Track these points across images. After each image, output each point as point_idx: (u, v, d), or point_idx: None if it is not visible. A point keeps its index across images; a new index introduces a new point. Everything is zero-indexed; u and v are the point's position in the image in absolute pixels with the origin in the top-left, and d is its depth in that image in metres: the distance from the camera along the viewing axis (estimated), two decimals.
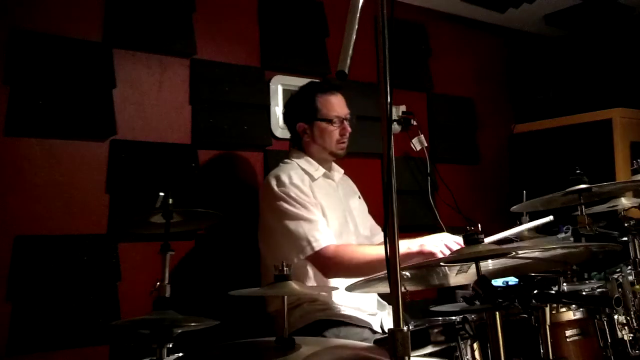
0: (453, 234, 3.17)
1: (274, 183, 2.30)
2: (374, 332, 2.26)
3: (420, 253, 2.09)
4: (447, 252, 2.06)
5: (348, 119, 2.44)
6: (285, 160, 2.46)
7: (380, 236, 2.57)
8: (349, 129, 2.44)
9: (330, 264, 2.17)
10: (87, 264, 2.31)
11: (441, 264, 1.57)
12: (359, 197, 2.65)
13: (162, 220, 1.71)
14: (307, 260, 2.21)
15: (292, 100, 2.54)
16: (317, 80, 2.54)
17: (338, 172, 2.57)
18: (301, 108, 2.44)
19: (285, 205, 2.24)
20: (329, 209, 2.35)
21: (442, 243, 2.09)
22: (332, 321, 2.22)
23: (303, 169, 2.40)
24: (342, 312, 2.26)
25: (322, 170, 2.45)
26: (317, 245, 2.16)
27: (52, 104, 2.31)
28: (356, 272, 2.00)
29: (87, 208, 2.36)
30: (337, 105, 2.42)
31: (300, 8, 3.10)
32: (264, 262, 2.40)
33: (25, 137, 2.27)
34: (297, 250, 2.18)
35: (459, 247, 1.98)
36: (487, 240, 2.03)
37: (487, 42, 3.97)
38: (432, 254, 2.07)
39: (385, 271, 1.08)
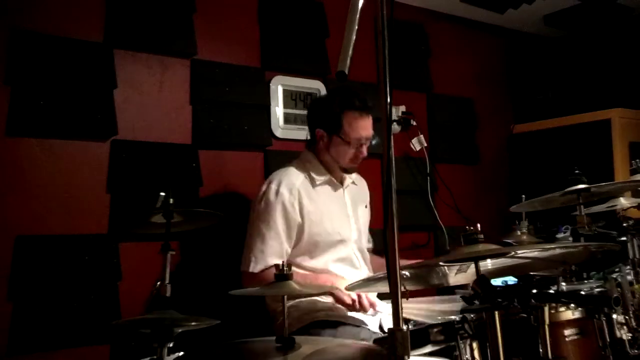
0: (453, 233, 3.23)
1: (263, 189, 2.34)
2: (372, 332, 2.25)
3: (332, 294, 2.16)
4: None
5: (369, 140, 2.37)
6: (293, 161, 2.45)
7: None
8: (365, 154, 2.37)
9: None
10: (88, 264, 2.32)
11: (441, 263, 1.57)
12: (366, 207, 2.62)
13: (162, 220, 1.71)
14: (243, 274, 2.29)
15: (320, 103, 2.51)
16: (350, 92, 2.38)
17: (348, 178, 2.52)
18: (325, 116, 2.37)
19: (257, 215, 2.30)
20: (326, 215, 2.35)
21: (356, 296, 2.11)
22: (330, 322, 2.22)
23: (307, 173, 2.39)
24: (340, 313, 2.25)
25: (327, 175, 2.43)
26: (252, 267, 2.24)
27: (53, 104, 2.31)
28: None
29: (87, 208, 2.37)
30: (361, 128, 2.33)
31: (300, 8, 3.10)
32: None
33: (26, 137, 2.27)
34: (244, 260, 2.29)
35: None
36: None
37: (486, 42, 3.97)
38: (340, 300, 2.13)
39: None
